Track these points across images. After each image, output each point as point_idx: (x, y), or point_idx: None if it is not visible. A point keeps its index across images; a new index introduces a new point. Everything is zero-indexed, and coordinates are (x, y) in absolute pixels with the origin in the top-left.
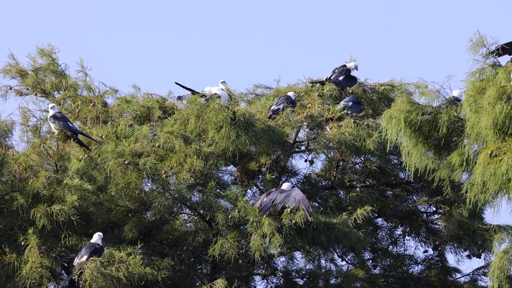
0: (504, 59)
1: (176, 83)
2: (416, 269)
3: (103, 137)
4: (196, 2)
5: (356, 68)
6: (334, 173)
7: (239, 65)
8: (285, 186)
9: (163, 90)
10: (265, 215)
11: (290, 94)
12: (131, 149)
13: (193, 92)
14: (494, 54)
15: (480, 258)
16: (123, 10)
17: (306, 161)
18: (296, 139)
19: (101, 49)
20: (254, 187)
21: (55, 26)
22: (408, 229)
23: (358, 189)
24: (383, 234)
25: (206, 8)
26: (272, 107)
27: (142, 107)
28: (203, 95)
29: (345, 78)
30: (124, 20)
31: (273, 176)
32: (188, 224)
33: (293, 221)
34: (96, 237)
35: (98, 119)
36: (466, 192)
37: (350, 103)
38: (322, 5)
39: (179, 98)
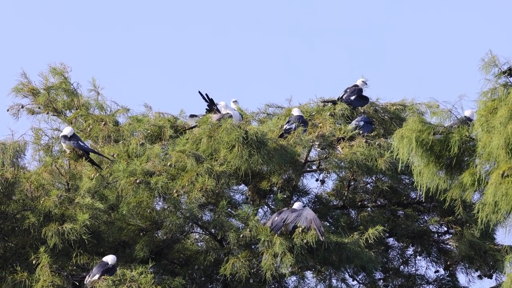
0: None
1: (199, 92)
2: None
3: (114, 156)
4: (208, 23)
5: (365, 83)
6: (346, 192)
7: (250, 84)
8: (296, 205)
9: (175, 109)
10: (276, 234)
11: (295, 110)
12: (143, 168)
13: (212, 103)
14: (506, 73)
15: (491, 278)
16: (135, 29)
17: (317, 180)
18: (308, 158)
19: (114, 68)
20: (266, 207)
21: (68, 45)
22: (419, 249)
23: (369, 208)
24: (394, 254)
25: (217, 28)
26: (284, 126)
27: (154, 126)
28: (217, 109)
29: (357, 97)
30: (137, 40)
31: (285, 196)
32: (199, 243)
33: (305, 241)
34: (109, 258)
35: (110, 138)
36: (478, 212)
37: (362, 123)
38: (334, 24)
39: (192, 116)
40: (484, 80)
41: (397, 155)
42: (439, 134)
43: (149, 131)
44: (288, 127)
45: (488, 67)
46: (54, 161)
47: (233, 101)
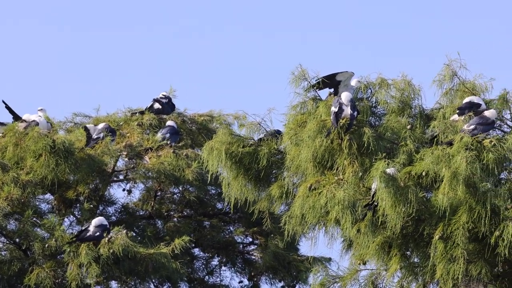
0: (324, 93)
1: (3, 101)
2: None
3: None
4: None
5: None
6: (152, 203)
7: (58, 93)
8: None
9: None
10: (83, 244)
11: (102, 124)
12: None
13: (15, 116)
14: (315, 87)
15: None
16: None
17: (124, 190)
18: (115, 168)
19: None
20: (72, 216)
21: None
22: (224, 259)
23: (175, 219)
24: (200, 265)
25: (20, 35)
26: (94, 136)
27: None
28: (23, 121)
29: (166, 103)
30: None
31: (91, 205)
32: (3, 253)
33: (111, 251)
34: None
35: None
36: (285, 224)
37: (168, 135)
38: (140, 36)
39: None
40: (294, 94)
41: (206, 166)
42: (249, 147)
43: None
44: (95, 136)
45: (297, 80)
46: None
47: (40, 109)
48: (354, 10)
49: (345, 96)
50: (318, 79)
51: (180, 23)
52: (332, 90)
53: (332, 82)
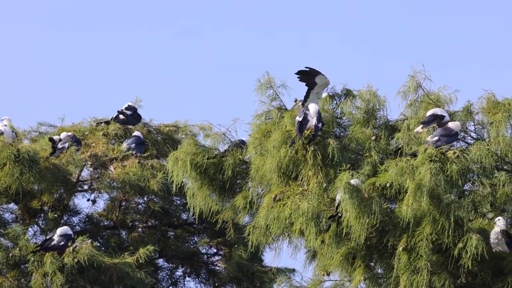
0: (289, 103)
1: None
2: None
3: None
4: None
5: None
6: (117, 213)
7: (24, 102)
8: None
9: None
10: (47, 253)
11: (69, 133)
12: None
13: None
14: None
15: None
16: None
17: (88, 200)
18: (80, 178)
19: None
20: (36, 226)
21: None
22: (188, 270)
23: (140, 229)
24: (164, 275)
25: None
26: (58, 145)
27: None
28: None
29: (131, 115)
30: None
31: (56, 215)
32: None
33: (75, 260)
34: None
35: None
36: (249, 234)
37: (134, 145)
38: (140, 36)
39: None
40: (259, 102)
41: (171, 177)
42: (213, 158)
43: None
44: (61, 146)
45: (263, 88)
46: None
47: (4, 119)
48: (354, 10)
49: (312, 108)
50: (306, 67)
51: (180, 23)
52: (299, 99)
53: (310, 79)
